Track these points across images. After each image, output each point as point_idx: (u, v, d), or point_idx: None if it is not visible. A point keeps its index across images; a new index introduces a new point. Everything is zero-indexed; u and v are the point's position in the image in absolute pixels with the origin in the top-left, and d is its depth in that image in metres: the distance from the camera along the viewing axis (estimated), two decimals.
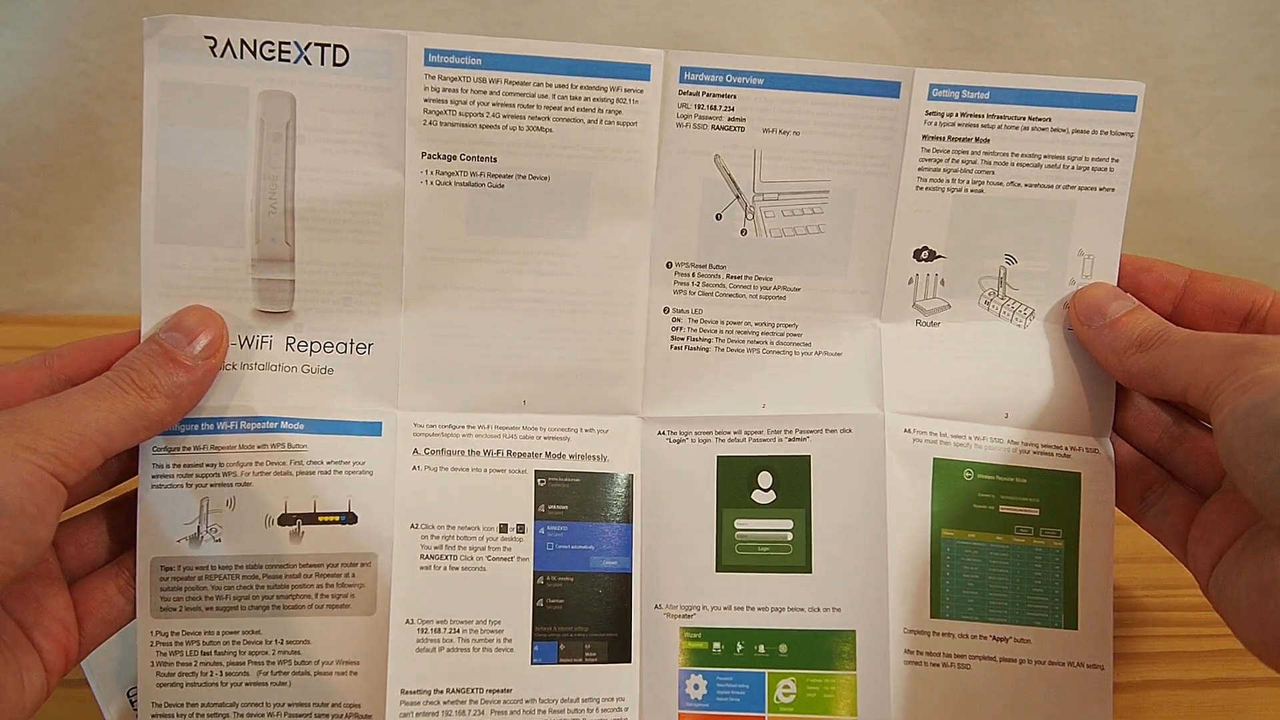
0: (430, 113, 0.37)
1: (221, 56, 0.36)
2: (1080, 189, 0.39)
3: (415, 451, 0.38)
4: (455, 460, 0.38)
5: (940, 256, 0.39)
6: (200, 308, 0.36)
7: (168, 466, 0.37)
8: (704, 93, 0.37)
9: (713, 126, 0.38)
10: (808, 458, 0.39)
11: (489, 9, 0.55)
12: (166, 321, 0.36)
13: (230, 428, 0.37)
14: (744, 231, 0.39)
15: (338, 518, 0.37)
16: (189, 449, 0.37)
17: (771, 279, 0.39)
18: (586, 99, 0.37)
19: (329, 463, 0.37)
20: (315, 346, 0.38)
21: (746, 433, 0.39)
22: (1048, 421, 0.39)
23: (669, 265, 0.39)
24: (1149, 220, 0.61)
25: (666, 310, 0.39)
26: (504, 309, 0.38)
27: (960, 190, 0.39)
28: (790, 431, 0.39)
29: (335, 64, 0.36)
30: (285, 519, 0.37)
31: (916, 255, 0.39)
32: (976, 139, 0.38)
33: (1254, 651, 0.33)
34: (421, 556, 0.38)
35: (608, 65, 0.37)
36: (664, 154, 0.38)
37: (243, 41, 0.36)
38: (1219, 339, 0.34)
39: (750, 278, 0.39)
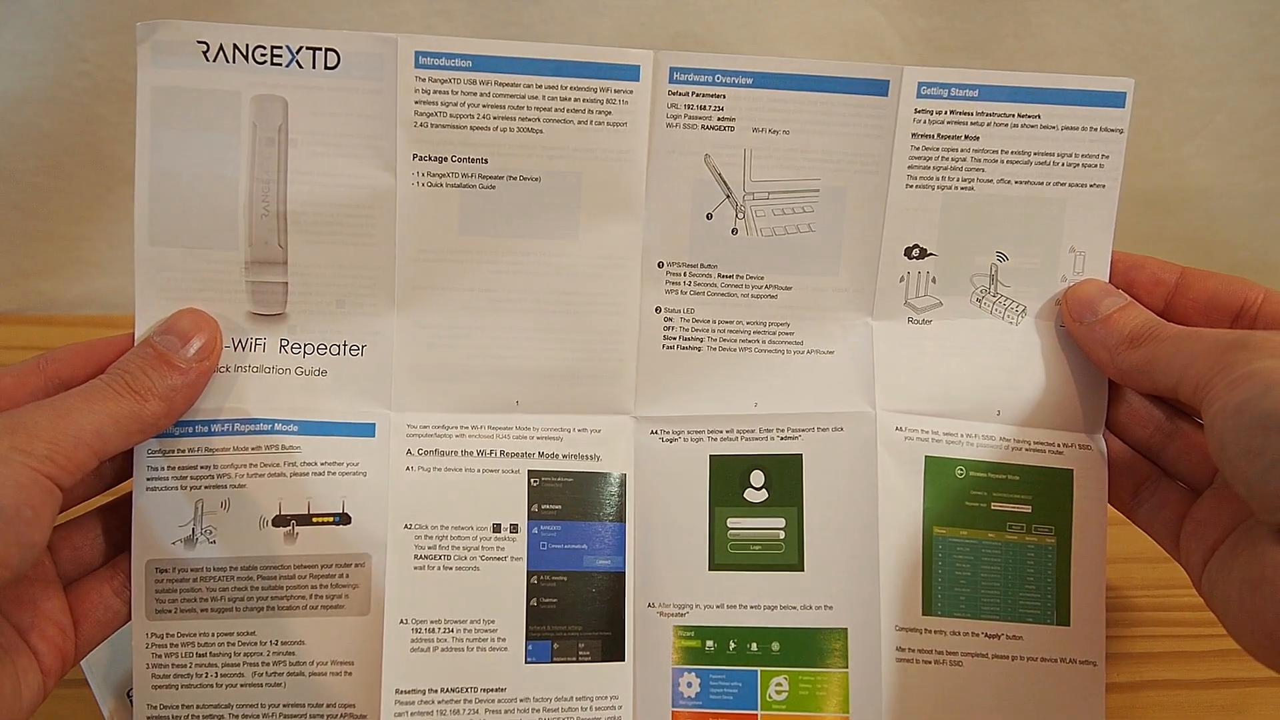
0: (421, 115, 0.37)
1: (214, 61, 0.36)
2: (1071, 186, 0.39)
3: (409, 452, 0.38)
4: (448, 460, 0.38)
5: (931, 254, 0.39)
6: (194, 310, 0.37)
7: (162, 469, 0.37)
8: (693, 93, 0.38)
9: (702, 126, 0.38)
10: (799, 456, 0.39)
11: (488, 9, 0.55)
12: (160, 324, 0.36)
13: (224, 430, 0.37)
14: (735, 231, 0.39)
15: (332, 519, 0.37)
16: (183, 451, 0.37)
17: (763, 278, 0.39)
18: (576, 100, 0.37)
19: (322, 464, 0.37)
20: (308, 349, 0.38)
21: (738, 431, 0.39)
22: (1040, 418, 0.39)
23: (660, 265, 0.39)
24: (1149, 220, 0.61)
25: (659, 310, 0.39)
26: (497, 310, 0.38)
27: (950, 188, 0.39)
28: (782, 430, 0.39)
29: (327, 67, 0.36)
30: (279, 520, 0.37)
31: (908, 253, 0.39)
32: (966, 136, 0.38)
33: (1244, 646, 0.33)
34: (415, 557, 0.38)
35: (597, 66, 0.37)
36: (654, 154, 0.38)
37: (235, 46, 0.36)
38: (1210, 335, 0.34)
39: (742, 277, 0.39)
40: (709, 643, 0.39)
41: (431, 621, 0.37)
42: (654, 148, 0.38)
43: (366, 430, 0.38)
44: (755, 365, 0.39)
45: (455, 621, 0.37)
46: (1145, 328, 0.37)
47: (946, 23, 0.57)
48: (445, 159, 0.37)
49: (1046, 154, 0.39)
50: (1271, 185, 0.61)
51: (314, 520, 0.37)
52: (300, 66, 0.36)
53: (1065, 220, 0.39)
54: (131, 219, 0.59)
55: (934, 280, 0.39)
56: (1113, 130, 0.39)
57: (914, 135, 0.38)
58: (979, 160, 0.39)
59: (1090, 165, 0.39)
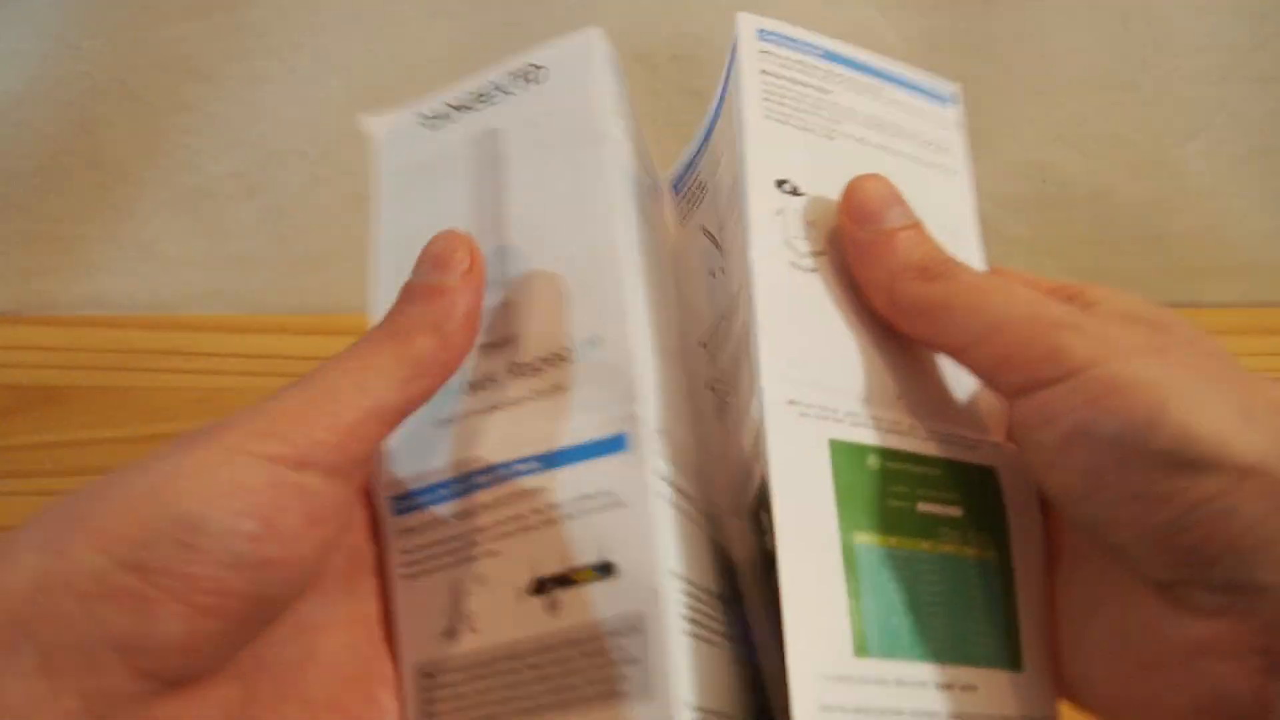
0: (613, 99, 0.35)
1: (435, 128, 0.35)
2: (925, 164, 0.34)
3: (659, 475, 0.29)
4: (681, 499, 0.30)
5: (802, 194, 0.32)
6: (443, 233, 0.31)
7: (413, 549, 0.30)
8: (686, 186, 0.37)
9: (694, 206, 0.36)
10: None
11: (489, 7, 0.55)
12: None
13: (466, 488, 0.31)
14: (712, 275, 0.36)
15: (592, 572, 0.28)
16: (431, 525, 0.30)
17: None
18: None
19: (573, 500, 0.29)
20: (540, 362, 0.31)
21: None
22: (941, 409, 0.31)
23: (704, 345, 0.35)
24: (1149, 220, 0.61)
25: (713, 388, 0.34)
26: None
27: (811, 131, 0.33)
28: None
29: (534, 82, 0.34)
30: (537, 586, 0.29)
31: (779, 185, 0.32)
32: (819, 88, 0.34)
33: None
34: (683, 619, 0.27)
35: None
36: (678, 250, 0.36)
37: (449, 105, 0.35)
38: (1024, 297, 0.27)
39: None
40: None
41: (706, 712, 0.27)
42: (677, 245, 0.36)
43: (615, 445, 0.29)
44: None
45: (720, 713, 0.28)
46: (939, 260, 0.29)
47: (946, 23, 0.57)
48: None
49: (897, 125, 0.34)
50: (1272, 185, 0.61)
51: (574, 579, 0.28)
52: (510, 94, 0.34)
53: (930, 196, 0.32)
54: (133, 218, 0.60)
55: (813, 224, 0.32)
56: (947, 125, 0.34)
57: (763, 72, 0.33)
58: (836, 114, 0.33)
59: (936, 148, 0.34)
